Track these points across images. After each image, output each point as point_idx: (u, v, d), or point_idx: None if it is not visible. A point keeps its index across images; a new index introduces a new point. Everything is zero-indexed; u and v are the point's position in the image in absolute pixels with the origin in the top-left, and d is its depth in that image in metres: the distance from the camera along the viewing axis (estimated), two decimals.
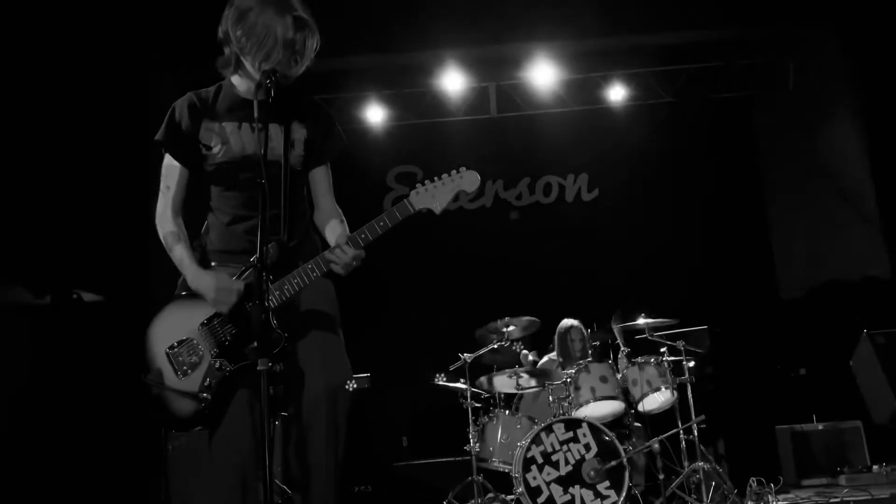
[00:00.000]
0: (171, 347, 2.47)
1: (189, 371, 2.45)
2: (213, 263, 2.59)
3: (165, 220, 2.59)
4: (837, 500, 4.94)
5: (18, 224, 5.02)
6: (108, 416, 4.88)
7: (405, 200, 2.48)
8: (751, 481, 5.02)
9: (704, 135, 7.16)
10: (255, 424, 2.40)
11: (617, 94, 7.12)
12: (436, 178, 2.51)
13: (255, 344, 2.03)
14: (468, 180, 2.52)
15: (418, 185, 2.50)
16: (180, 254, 2.53)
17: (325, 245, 2.55)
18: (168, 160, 2.62)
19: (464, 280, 6.67)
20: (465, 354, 5.25)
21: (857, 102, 6.59)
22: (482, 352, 5.29)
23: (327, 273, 2.47)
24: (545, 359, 5.79)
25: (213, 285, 2.43)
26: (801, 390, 6.17)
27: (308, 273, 2.42)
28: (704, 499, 4.72)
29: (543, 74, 6.96)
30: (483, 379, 5.35)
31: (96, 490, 4.80)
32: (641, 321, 5.18)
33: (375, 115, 7.12)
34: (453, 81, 6.97)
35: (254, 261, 2.25)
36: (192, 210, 2.67)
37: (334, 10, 5.57)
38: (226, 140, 2.58)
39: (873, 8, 6.01)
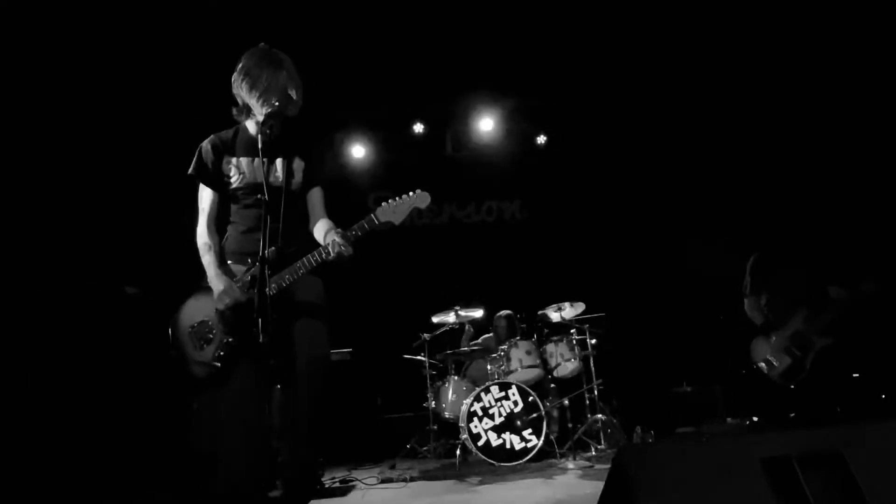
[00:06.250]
0: (192, 327, 2.46)
1: (204, 345, 2.44)
2: (229, 262, 2.58)
3: (202, 234, 2.60)
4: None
5: (85, 238, 5.07)
6: (147, 382, 4.79)
7: (371, 215, 2.49)
8: (636, 429, 5.12)
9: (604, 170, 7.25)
10: (256, 386, 2.40)
11: (541, 139, 7.23)
12: (396, 198, 2.53)
13: (256, 324, 2.03)
14: (420, 199, 2.56)
15: (383, 202, 2.51)
16: (209, 260, 2.55)
17: (318, 247, 2.53)
18: (202, 189, 2.63)
19: (427, 277, 6.69)
20: (425, 334, 5.27)
21: None
22: (438, 332, 5.33)
23: (316, 270, 2.47)
24: (485, 336, 5.83)
25: (221, 288, 2.44)
26: (675, 362, 6.28)
27: (298, 269, 2.43)
28: (602, 442, 4.81)
29: (486, 124, 7.04)
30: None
31: (137, 439, 4.72)
32: (555, 311, 5.25)
33: (359, 152, 7.12)
34: (418, 127, 7.00)
35: (258, 259, 2.26)
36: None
37: (338, 74, 5.63)
38: (242, 171, 2.59)
39: None
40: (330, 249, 2.41)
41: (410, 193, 2.55)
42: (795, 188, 6.11)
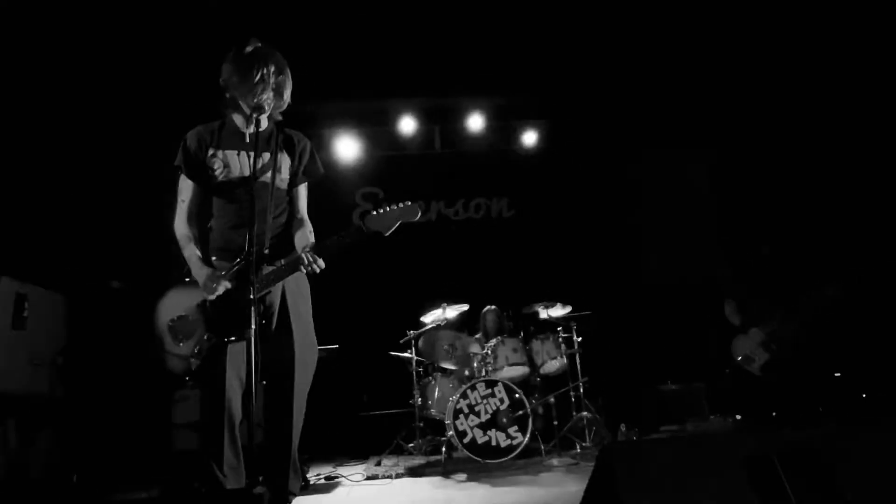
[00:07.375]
0: (172, 321, 2.44)
1: (184, 340, 2.42)
2: (213, 258, 2.56)
3: (181, 226, 2.57)
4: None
5: (72, 235, 5.10)
6: (131, 376, 4.76)
7: (360, 223, 2.45)
8: (621, 426, 5.15)
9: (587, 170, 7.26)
10: (237, 382, 2.39)
11: (529, 138, 7.24)
12: (387, 206, 2.48)
13: (240, 319, 2.02)
14: (411, 212, 2.51)
15: (373, 211, 2.47)
16: (190, 252, 2.52)
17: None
18: (183, 179, 2.59)
19: (414, 275, 6.66)
20: (412, 332, 5.25)
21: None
22: (424, 330, 5.30)
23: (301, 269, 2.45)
24: (476, 335, 5.81)
25: (206, 276, 2.41)
26: (660, 360, 6.30)
27: (284, 271, 2.41)
28: (587, 439, 4.83)
29: (475, 121, 7.02)
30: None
31: (120, 430, 4.70)
32: (543, 308, 5.26)
33: (347, 147, 7.06)
34: (407, 124, 6.97)
35: (244, 256, 2.24)
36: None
37: (327, 69, 5.58)
38: (227, 164, 2.56)
39: None
40: (302, 263, 2.39)
41: (401, 204, 2.50)
42: (771, 195, 6.22)
